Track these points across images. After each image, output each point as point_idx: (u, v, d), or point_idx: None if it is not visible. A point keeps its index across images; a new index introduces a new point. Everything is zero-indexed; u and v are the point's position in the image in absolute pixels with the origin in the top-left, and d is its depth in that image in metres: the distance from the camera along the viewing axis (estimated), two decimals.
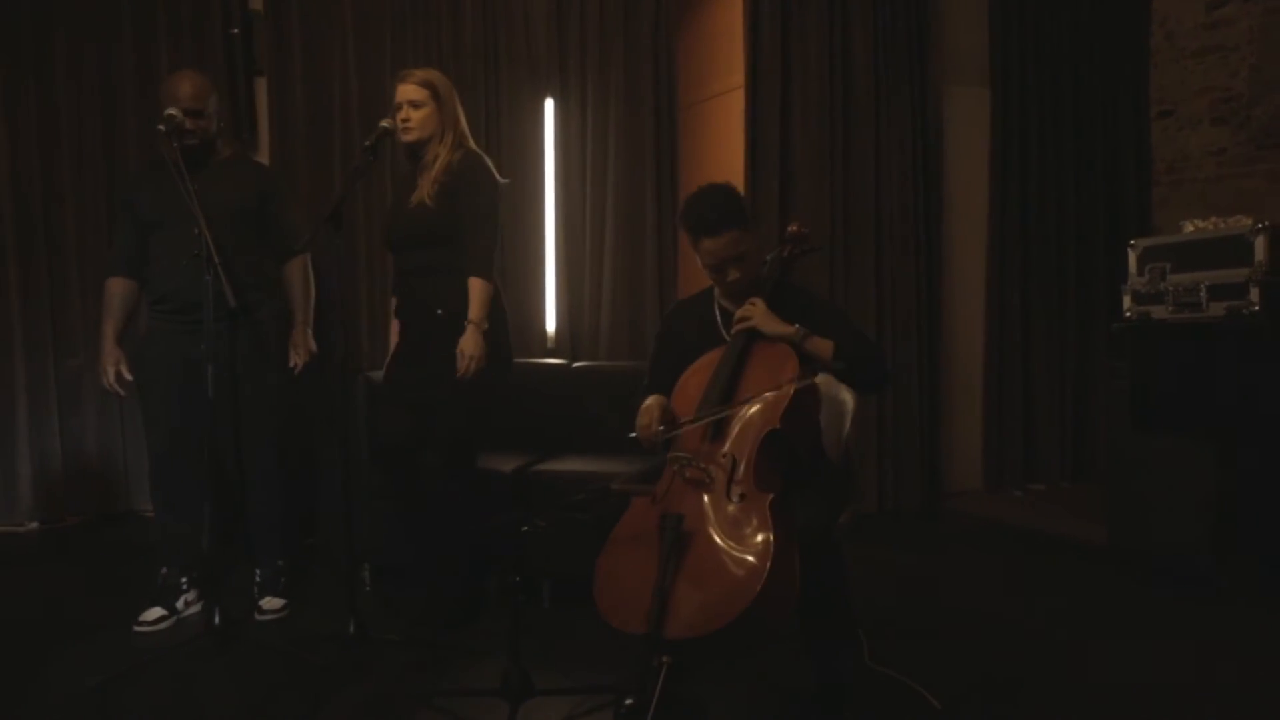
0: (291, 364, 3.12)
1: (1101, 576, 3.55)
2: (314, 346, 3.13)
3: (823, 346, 2.28)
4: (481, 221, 2.90)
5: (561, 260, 4.43)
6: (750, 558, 1.93)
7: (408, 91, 2.90)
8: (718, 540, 2.00)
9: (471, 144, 3.00)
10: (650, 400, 2.34)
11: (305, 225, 3.19)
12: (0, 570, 3.65)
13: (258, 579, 3.16)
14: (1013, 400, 4.96)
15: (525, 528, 2.22)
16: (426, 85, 2.91)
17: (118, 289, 3.08)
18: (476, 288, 2.85)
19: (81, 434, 4.38)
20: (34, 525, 4.31)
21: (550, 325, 4.44)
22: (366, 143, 2.74)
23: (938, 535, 4.36)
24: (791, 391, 2.14)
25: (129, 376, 3.06)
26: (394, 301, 3.13)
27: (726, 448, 2.15)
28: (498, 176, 2.98)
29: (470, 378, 2.82)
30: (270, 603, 3.08)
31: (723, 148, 4.88)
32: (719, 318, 2.48)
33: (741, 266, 2.37)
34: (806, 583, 1.99)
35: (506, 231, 4.47)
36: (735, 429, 2.17)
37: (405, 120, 2.88)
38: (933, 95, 4.75)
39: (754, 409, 2.17)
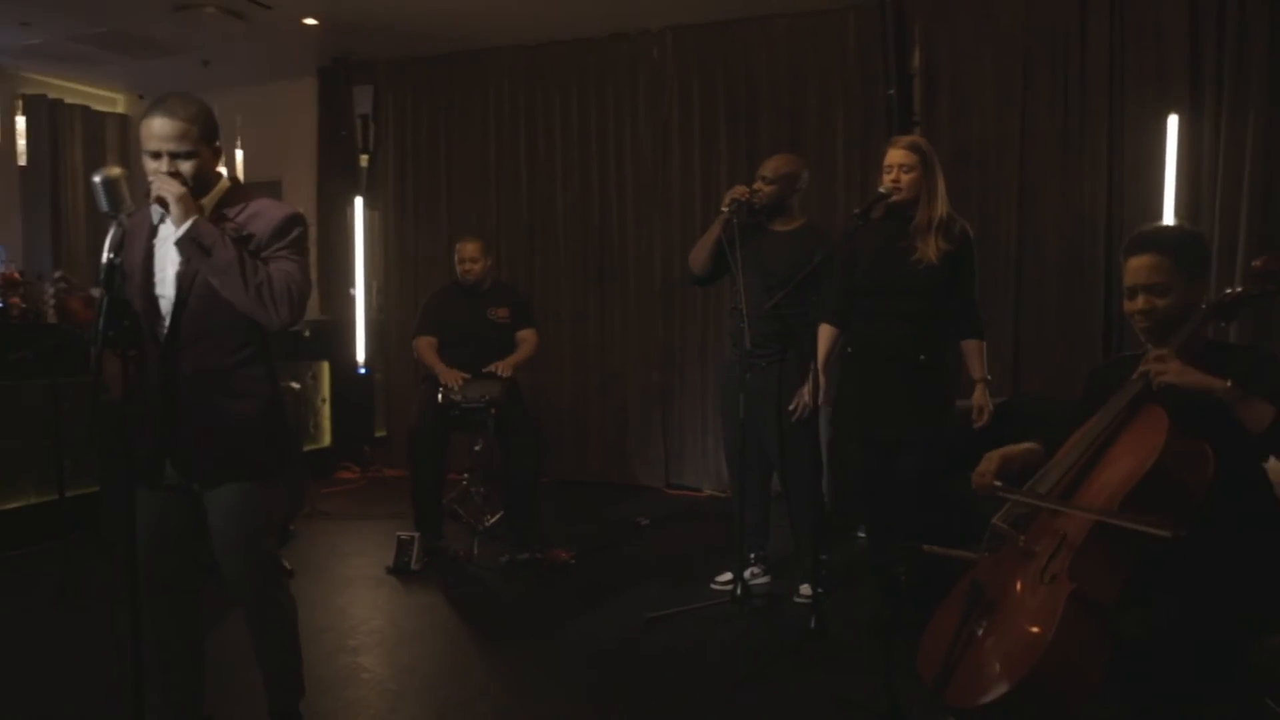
0: (792, 407, 3.60)
1: None
2: (807, 399, 3.50)
3: (1259, 413, 1.89)
4: (977, 290, 3.31)
5: None
6: (1020, 647, 1.89)
7: (899, 156, 3.19)
8: (1007, 619, 1.99)
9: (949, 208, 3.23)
10: (1009, 447, 2.27)
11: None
12: (675, 520, 4.99)
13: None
14: None
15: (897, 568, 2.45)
16: (916, 150, 3.18)
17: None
18: (980, 349, 3.30)
19: None
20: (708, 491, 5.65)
21: None
22: (856, 210, 3.14)
23: None
24: (1142, 474, 1.95)
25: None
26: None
27: (1062, 524, 2.06)
28: None
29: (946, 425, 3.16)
30: (805, 589, 3.69)
31: None
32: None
33: (1154, 300, 2.10)
34: None
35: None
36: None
37: (895, 182, 3.18)
38: None
39: (1101, 484, 2.03)
